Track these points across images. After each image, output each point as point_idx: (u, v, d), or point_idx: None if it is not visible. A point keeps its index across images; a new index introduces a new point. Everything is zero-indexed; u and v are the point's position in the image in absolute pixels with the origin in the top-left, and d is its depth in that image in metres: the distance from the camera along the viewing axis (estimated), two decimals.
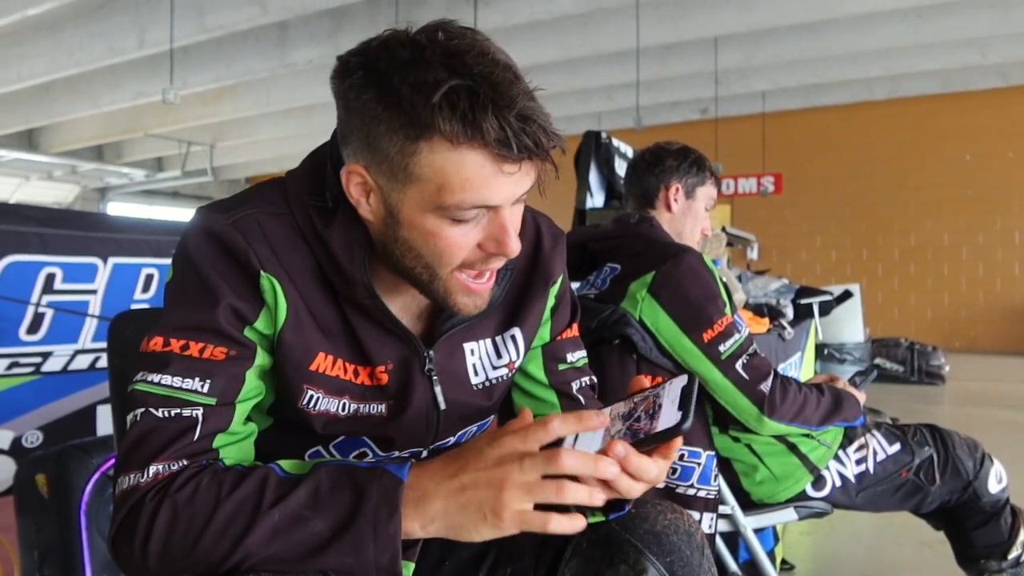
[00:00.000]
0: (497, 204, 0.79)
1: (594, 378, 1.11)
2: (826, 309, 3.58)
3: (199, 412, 0.81)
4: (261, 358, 0.86)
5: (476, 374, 0.98)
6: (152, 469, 0.77)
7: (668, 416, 0.75)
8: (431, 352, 0.93)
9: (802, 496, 1.67)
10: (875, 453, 1.68)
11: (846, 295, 4.09)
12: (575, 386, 1.07)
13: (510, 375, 1.02)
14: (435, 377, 0.94)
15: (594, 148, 3.29)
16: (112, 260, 2.41)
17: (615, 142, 3.42)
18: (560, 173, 0.82)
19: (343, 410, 0.91)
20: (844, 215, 11.01)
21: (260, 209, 0.86)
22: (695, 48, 8.72)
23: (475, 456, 0.75)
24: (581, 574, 0.90)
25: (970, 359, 8.89)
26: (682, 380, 0.78)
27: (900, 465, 1.68)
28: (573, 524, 0.73)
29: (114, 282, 2.40)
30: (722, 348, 1.56)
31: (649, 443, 0.75)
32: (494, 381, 1.00)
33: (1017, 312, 10.12)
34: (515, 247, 0.82)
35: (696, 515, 1.54)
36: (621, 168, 3.41)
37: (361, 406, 0.92)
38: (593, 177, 3.31)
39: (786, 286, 3.50)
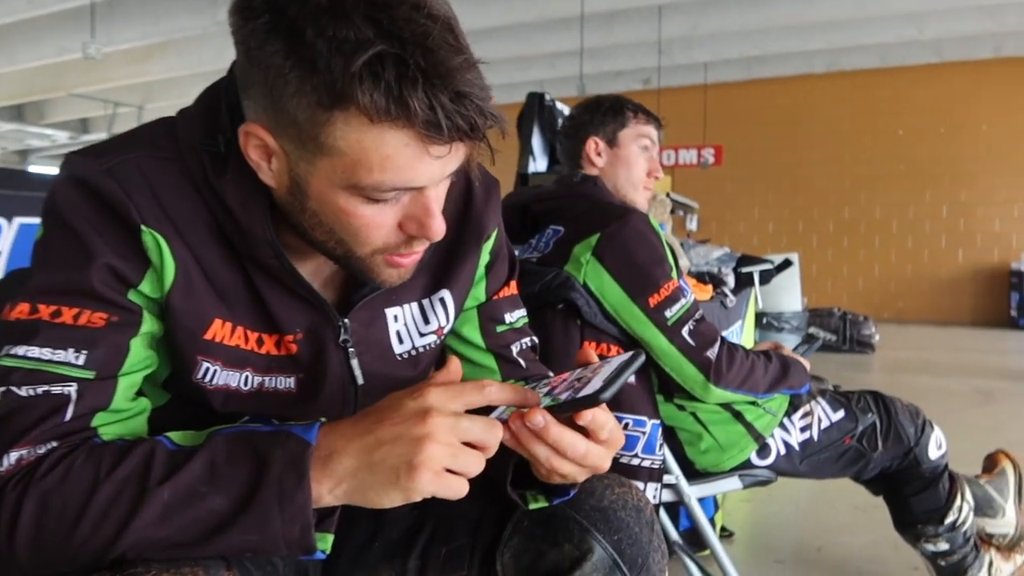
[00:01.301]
0: (421, 186, 0.70)
1: (535, 339, 1.04)
2: (766, 278, 3.60)
3: (72, 388, 0.70)
4: (149, 324, 0.75)
5: (400, 342, 0.90)
6: (14, 455, 0.67)
7: (593, 387, 0.69)
8: (346, 321, 0.84)
9: (747, 464, 1.64)
10: (820, 420, 1.66)
11: (786, 264, 4.12)
12: (515, 349, 1.00)
13: (439, 341, 0.94)
14: (351, 349, 0.86)
15: (537, 111, 3.20)
16: (18, 219, 2.23)
17: (559, 105, 3.34)
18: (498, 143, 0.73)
19: (245, 384, 0.82)
20: (782, 187, 11.19)
21: (143, 153, 0.75)
22: (640, 16, 8.66)
23: (394, 409, 0.67)
24: (521, 554, 0.84)
25: (898, 329, 9.17)
26: (625, 357, 0.72)
27: (844, 432, 1.66)
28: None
29: (20, 243, 2.23)
30: (668, 313, 1.51)
31: (564, 410, 0.69)
32: (421, 349, 0.92)
33: (943, 284, 10.47)
34: (439, 230, 0.73)
35: (640, 485, 1.49)
36: None
37: (266, 379, 0.83)
38: (536, 141, 3.22)
39: (727, 254, 3.50)
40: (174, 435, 0.71)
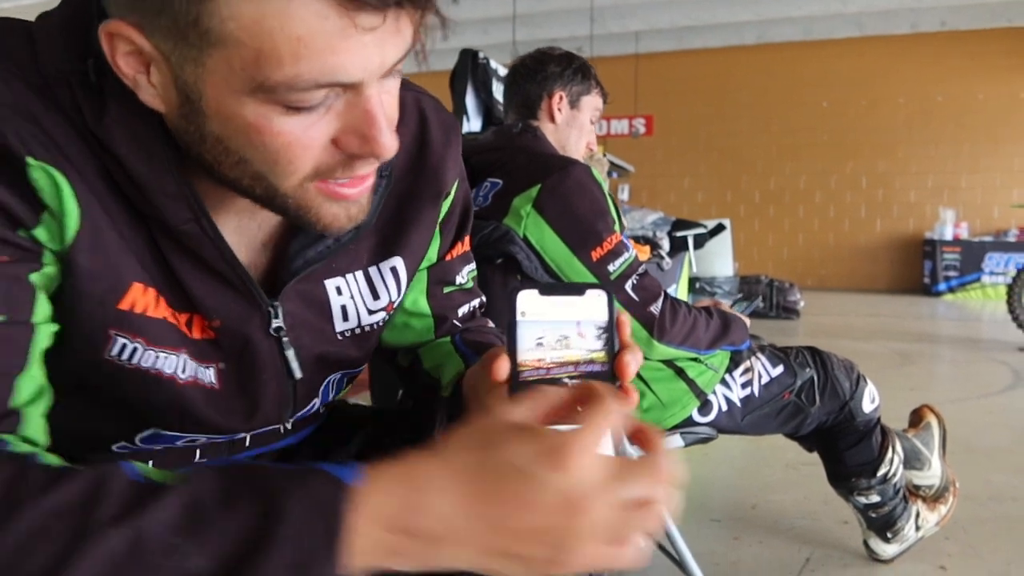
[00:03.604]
0: (355, 80, 0.52)
1: (483, 299, 0.94)
2: (700, 242, 3.62)
3: None
4: (49, 266, 0.57)
5: (345, 319, 0.75)
6: None
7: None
8: (277, 304, 0.68)
9: (688, 422, 1.62)
10: (760, 376, 1.65)
11: (719, 228, 4.17)
12: (460, 312, 0.89)
13: (387, 318, 0.80)
14: (285, 338, 0.70)
15: (471, 69, 3.11)
16: None
17: (493, 64, 3.25)
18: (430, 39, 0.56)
19: (183, 371, 0.65)
20: (711, 158, 11.35)
21: (2, 68, 0.56)
22: None
23: (524, 481, 0.45)
24: None
25: (821, 296, 9.46)
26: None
27: (783, 387, 1.66)
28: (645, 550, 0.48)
29: None
30: (611, 268, 1.47)
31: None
32: (368, 328, 0.77)
33: (862, 252, 10.84)
34: (389, 144, 0.56)
35: None
36: (499, 92, 3.25)
37: (199, 370, 0.67)
38: (470, 100, 3.14)
39: (662, 218, 3.51)
40: (140, 465, 0.49)
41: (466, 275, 0.90)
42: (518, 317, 0.57)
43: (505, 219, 1.49)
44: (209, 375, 0.68)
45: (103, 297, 0.60)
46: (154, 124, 0.57)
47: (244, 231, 0.67)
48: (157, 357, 0.63)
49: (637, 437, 0.51)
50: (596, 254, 1.46)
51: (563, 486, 0.45)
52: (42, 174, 0.55)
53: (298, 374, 0.72)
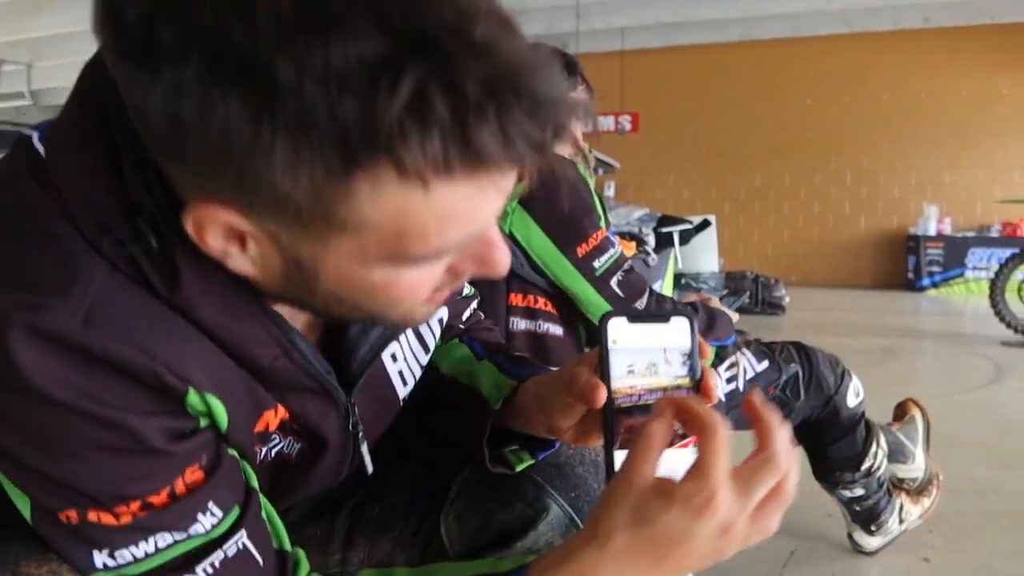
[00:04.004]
0: (483, 230, 0.51)
1: (479, 297, 0.95)
2: (686, 238, 3.63)
3: (241, 539, 0.57)
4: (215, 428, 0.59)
5: (404, 383, 0.74)
6: None
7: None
8: (353, 401, 0.67)
9: None
10: (745, 371, 1.66)
11: (705, 224, 4.19)
12: (464, 316, 0.89)
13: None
14: (360, 433, 0.70)
15: None
16: None
17: None
18: None
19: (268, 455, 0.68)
20: (696, 155, 11.38)
21: (89, 269, 0.50)
22: None
23: (687, 538, 0.52)
24: (468, 516, 0.77)
25: (806, 291, 9.52)
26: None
27: (769, 382, 1.67)
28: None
29: None
30: (596, 264, 1.47)
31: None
32: (418, 378, 0.77)
33: (846, 247, 10.91)
34: (506, 263, 0.54)
35: None
36: None
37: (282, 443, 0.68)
38: None
39: (648, 215, 3.52)
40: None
41: (470, 287, 0.91)
42: (610, 345, 0.59)
43: None
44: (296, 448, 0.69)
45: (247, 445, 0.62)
46: (236, 279, 0.53)
47: (310, 331, 0.65)
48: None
49: (759, 430, 0.54)
50: (582, 250, 1.46)
51: (715, 524, 0.51)
52: (196, 399, 0.55)
53: (370, 469, 0.73)
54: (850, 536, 1.90)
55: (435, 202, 0.44)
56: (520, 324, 1.49)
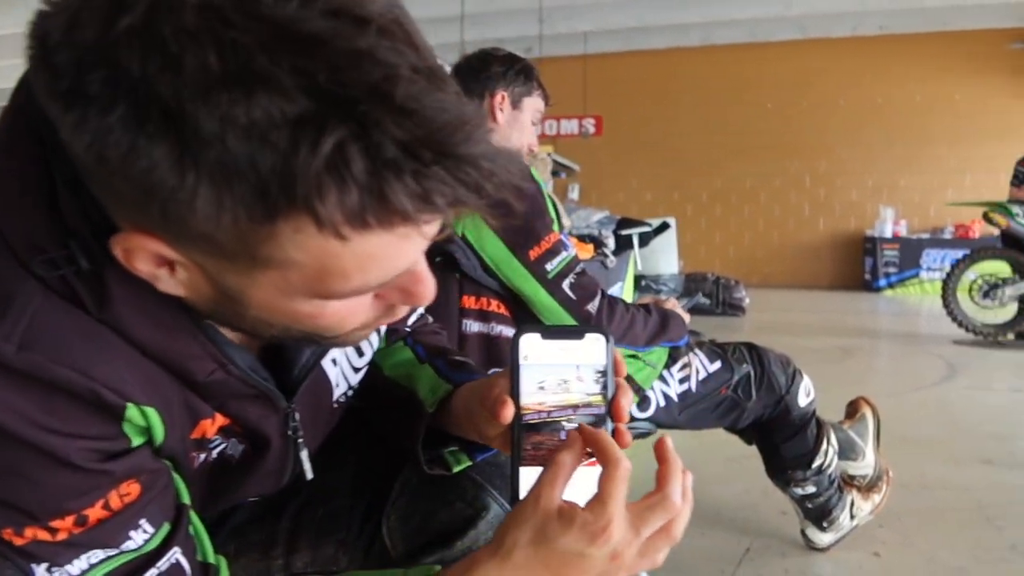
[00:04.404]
0: (410, 266, 0.53)
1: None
2: (645, 240, 3.66)
3: (175, 555, 0.60)
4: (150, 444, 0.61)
5: (337, 386, 0.76)
6: None
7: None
8: (294, 405, 0.69)
9: None
10: (697, 372, 1.68)
11: (664, 226, 4.24)
12: (409, 320, 0.90)
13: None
14: (300, 439, 0.71)
15: None
16: None
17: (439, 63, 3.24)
18: None
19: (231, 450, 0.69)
20: (658, 158, 11.49)
21: (24, 294, 0.51)
22: None
23: (579, 566, 0.56)
24: (410, 515, 0.77)
25: (766, 293, 9.66)
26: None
27: (721, 382, 1.69)
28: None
29: None
30: (549, 267, 1.48)
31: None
32: (355, 389, 0.79)
33: (806, 249, 11.11)
34: (430, 294, 0.56)
35: None
36: None
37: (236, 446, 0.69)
38: None
39: (608, 217, 3.55)
40: None
41: None
42: (521, 361, 0.60)
43: None
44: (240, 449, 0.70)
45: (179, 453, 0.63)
46: (168, 297, 0.53)
47: (251, 344, 0.65)
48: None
49: (661, 472, 0.59)
50: (534, 253, 1.47)
51: (607, 551, 0.55)
52: (136, 412, 0.56)
53: (309, 475, 0.73)
54: (803, 533, 1.93)
55: (356, 247, 0.46)
56: (473, 326, 1.49)
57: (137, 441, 0.57)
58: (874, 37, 10.40)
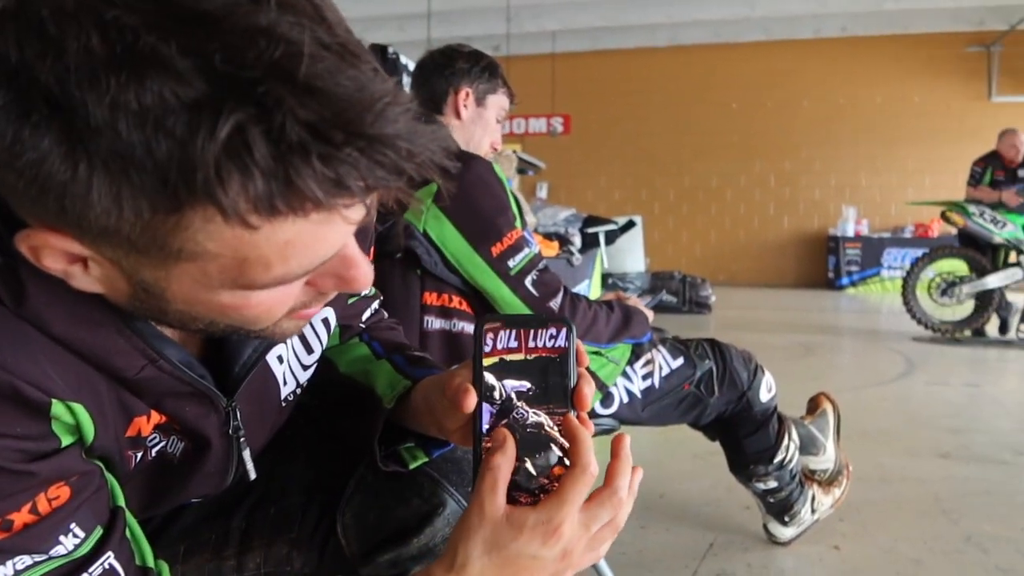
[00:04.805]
0: (336, 252, 0.50)
1: (381, 296, 0.94)
2: (611, 238, 3.68)
3: (108, 560, 0.57)
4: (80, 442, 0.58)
5: (285, 384, 0.74)
6: None
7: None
8: (235, 403, 0.67)
9: (590, 414, 1.64)
10: (660, 368, 1.69)
11: (630, 224, 4.26)
12: (364, 316, 0.89)
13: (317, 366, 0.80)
14: (242, 439, 0.69)
15: (380, 65, 3.07)
16: None
17: (403, 59, 3.22)
18: None
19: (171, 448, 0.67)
20: (627, 157, 11.56)
21: None
22: None
23: (538, 565, 0.57)
24: (365, 513, 0.76)
25: (732, 291, 9.77)
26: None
27: (683, 378, 1.70)
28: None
29: None
30: (511, 263, 1.47)
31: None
32: (304, 386, 0.77)
33: (771, 248, 11.25)
34: (368, 278, 0.54)
35: None
36: (408, 88, 3.23)
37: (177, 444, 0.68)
38: None
39: (574, 215, 3.55)
40: None
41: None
42: (484, 350, 0.59)
43: (405, 213, 1.47)
44: (180, 447, 0.68)
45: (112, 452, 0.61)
46: (88, 294, 0.51)
47: (189, 336, 0.63)
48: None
49: (611, 467, 0.60)
50: (496, 249, 1.46)
51: (558, 550, 0.57)
52: (62, 409, 0.53)
53: (252, 475, 0.72)
54: (765, 527, 1.95)
55: (270, 236, 0.44)
56: (435, 323, 1.48)
57: (67, 440, 0.55)
58: (837, 39, 10.56)
